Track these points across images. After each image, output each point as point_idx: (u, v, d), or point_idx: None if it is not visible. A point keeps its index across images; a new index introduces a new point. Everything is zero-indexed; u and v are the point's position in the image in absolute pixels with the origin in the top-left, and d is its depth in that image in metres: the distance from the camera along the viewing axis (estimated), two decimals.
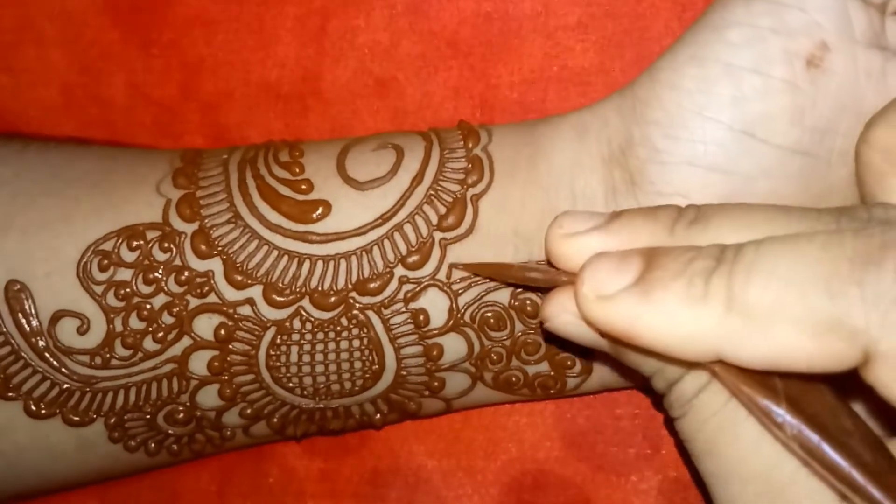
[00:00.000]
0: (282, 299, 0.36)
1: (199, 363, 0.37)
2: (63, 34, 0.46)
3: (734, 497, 0.28)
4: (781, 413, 0.26)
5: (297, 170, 0.37)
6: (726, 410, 0.28)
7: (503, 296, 0.36)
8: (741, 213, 0.29)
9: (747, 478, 0.28)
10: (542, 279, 0.32)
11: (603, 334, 0.30)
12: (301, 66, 0.44)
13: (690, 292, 0.27)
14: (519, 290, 0.36)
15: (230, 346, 0.36)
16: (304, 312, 0.36)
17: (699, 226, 0.29)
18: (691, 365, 0.28)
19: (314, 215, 0.36)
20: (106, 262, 0.36)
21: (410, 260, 0.36)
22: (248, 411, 0.38)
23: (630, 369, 0.31)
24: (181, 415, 0.37)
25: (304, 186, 0.37)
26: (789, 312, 0.25)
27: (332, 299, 0.36)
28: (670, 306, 0.27)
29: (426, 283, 0.36)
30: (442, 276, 0.36)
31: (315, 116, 0.45)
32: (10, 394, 0.37)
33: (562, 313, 0.31)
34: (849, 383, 0.27)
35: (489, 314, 0.36)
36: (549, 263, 0.32)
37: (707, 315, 0.26)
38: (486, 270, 0.35)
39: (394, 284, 0.36)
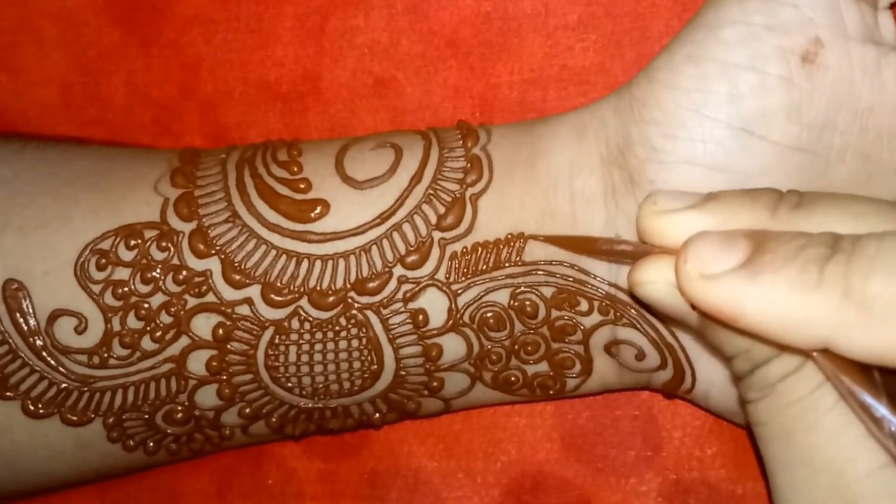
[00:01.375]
0: (280, 299, 0.36)
1: (197, 363, 0.36)
2: (62, 34, 0.46)
3: (800, 484, 0.28)
4: (882, 409, 0.26)
5: (296, 169, 0.37)
6: (811, 398, 0.28)
7: (503, 296, 0.36)
8: (849, 203, 0.29)
9: (819, 468, 0.28)
10: (632, 252, 0.32)
11: (694, 308, 0.30)
12: (300, 66, 0.44)
13: (803, 278, 0.26)
14: (519, 290, 0.36)
15: (228, 346, 0.36)
16: (302, 312, 0.36)
17: (803, 212, 0.29)
18: (783, 348, 0.28)
19: (312, 214, 0.36)
20: (104, 261, 0.36)
21: (409, 259, 0.36)
22: (247, 411, 0.37)
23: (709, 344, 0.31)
24: (180, 414, 0.37)
25: (302, 185, 0.37)
26: None
27: (331, 299, 0.36)
28: (781, 291, 0.27)
29: (425, 282, 0.36)
30: (441, 275, 0.36)
31: (314, 116, 0.44)
32: (8, 393, 0.37)
33: (657, 280, 0.30)
34: None
35: (489, 314, 0.36)
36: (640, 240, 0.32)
37: (820, 303, 0.26)
38: (568, 243, 0.35)
39: (392, 284, 0.36)
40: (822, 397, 0.28)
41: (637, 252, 0.32)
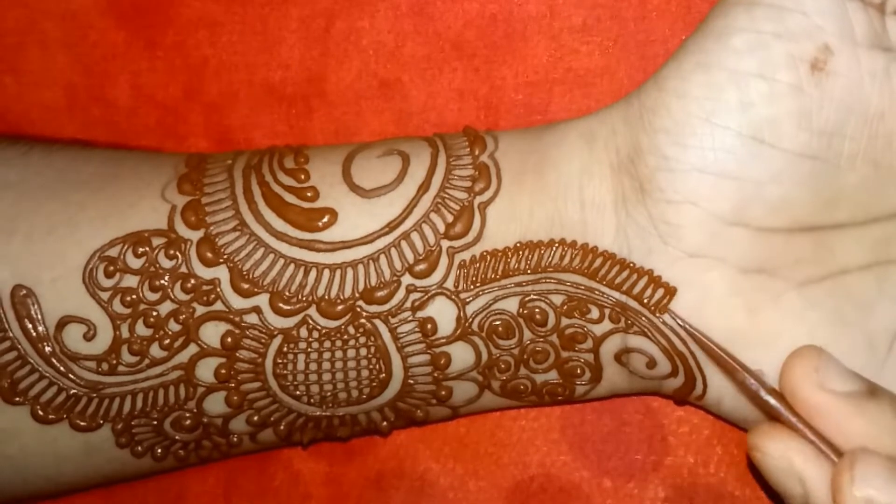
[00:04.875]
0: (288, 308, 0.36)
1: (205, 370, 0.36)
2: (67, 35, 0.46)
3: None
4: None
5: (303, 177, 0.37)
6: None
7: (512, 304, 0.36)
8: None
9: None
10: (773, 408, 0.32)
11: None
12: (305, 68, 0.44)
13: None
14: (528, 298, 0.36)
15: (237, 354, 0.36)
16: (310, 321, 0.36)
17: None
18: None
19: (320, 223, 0.36)
20: (112, 268, 0.36)
21: (418, 268, 0.36)
22: (255, 418, 0.38)
23: None
24: (188, 421, 0.37)
25: (309, 194, 0.37)
26: None
27: (339, 308, 0.36)
28: None
29: (434, 291, 0.36)
30: (450, 284, 0.36)
31: (319, 118, 0.44)
32: (17, 398, 0.37)
33: (780, 458, 0.31)
34: None
35: (497, 322, 0.36)
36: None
37: None
38: (708, 347, 0.34)
39: (401, 293, 0.36)
40: None
41: (779, 413, 0.32)
